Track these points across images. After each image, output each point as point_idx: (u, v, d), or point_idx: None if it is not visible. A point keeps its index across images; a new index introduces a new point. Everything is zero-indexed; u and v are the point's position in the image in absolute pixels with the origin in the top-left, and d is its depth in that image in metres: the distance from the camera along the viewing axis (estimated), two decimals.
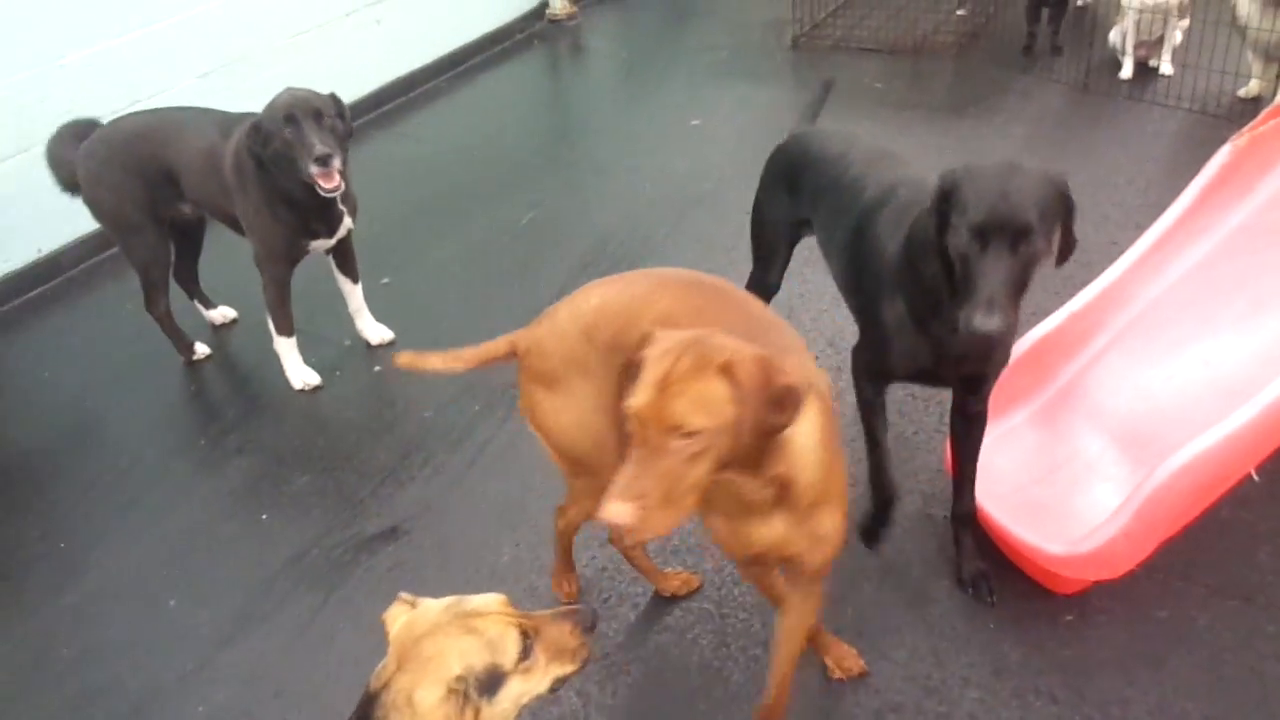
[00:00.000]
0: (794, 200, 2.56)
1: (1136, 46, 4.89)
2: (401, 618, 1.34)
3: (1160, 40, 4.88)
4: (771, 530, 1.65)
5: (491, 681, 1.29)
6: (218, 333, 3.69)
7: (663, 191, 4.39)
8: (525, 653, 1.34)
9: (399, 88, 5.50)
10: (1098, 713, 2.06)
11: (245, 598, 2.57)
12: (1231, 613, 2.24)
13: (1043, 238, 1.81)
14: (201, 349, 3.56)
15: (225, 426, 3.23)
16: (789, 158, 2.61)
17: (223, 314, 3.73)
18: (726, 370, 1.40)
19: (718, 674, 2.23)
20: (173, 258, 3.41)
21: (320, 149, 2.81)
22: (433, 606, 1.35)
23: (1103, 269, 2.83)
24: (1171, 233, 2.80)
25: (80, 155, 3.23)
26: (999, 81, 5.11)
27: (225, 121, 3.15)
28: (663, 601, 2.41)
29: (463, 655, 1.28)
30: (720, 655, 2.27)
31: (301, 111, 2.85)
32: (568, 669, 1.42)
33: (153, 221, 3.24)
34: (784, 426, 1.45)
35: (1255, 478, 2.39)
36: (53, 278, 4.09)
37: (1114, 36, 4.98)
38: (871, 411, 2.30)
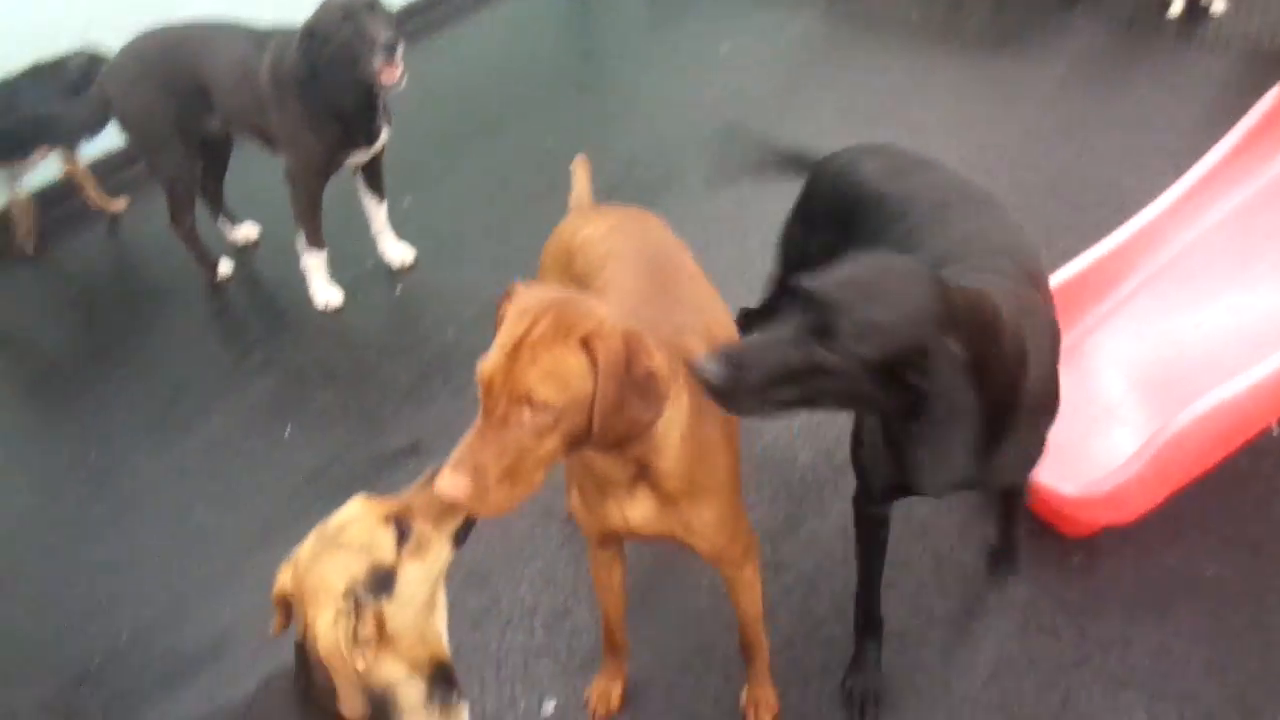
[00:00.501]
0: (845, 241, 1.90)
1: None
2: (287, 575, 1.34)
3: None
4: (634, 511, 1.58)
5: (381, 580, 1.30)
6: (241, 252, 3.71)
7: (690, 118, 4.32)
8: (404, 537, 1.33)
9: (421, 5, 5.40)
10: (1098, 651, 2.10)
11: (270, 508, 2.64)
12: (1240, 564, 2.25)
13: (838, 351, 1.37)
14: (225, 267, 3.58)
15: (249, 344, 3.28)
16: (838, 190, 2.01)
17: (246, 234, 3.75)
18: (587, 342, 1.28)
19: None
20: (200, 174, 3.41)
21: (387, 35, 2.79)
22: (305, 546, 1.34)
23: (1137, 212, 2.78)
24: (1210, 177, 2.75)
25: (110, 70, 3.22)
26: (1041, 15, 4.95)
27: (257, 36, 3.12)
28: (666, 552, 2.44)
29: (342, 572, 1.28)
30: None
31: (358, 6, 2.83)
32: (457, 520, 1.39)
33: (182, 137, 3.23)
34: (650, 420, 1.35)
35: (1275, 432, 2.38)
36: (75, 196, 4.10)
37: None
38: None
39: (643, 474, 1.51)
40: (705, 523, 1.60)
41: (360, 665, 1.27)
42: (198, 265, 3.55)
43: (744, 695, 2.03)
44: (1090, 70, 4.47)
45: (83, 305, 3.57)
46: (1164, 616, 2.16)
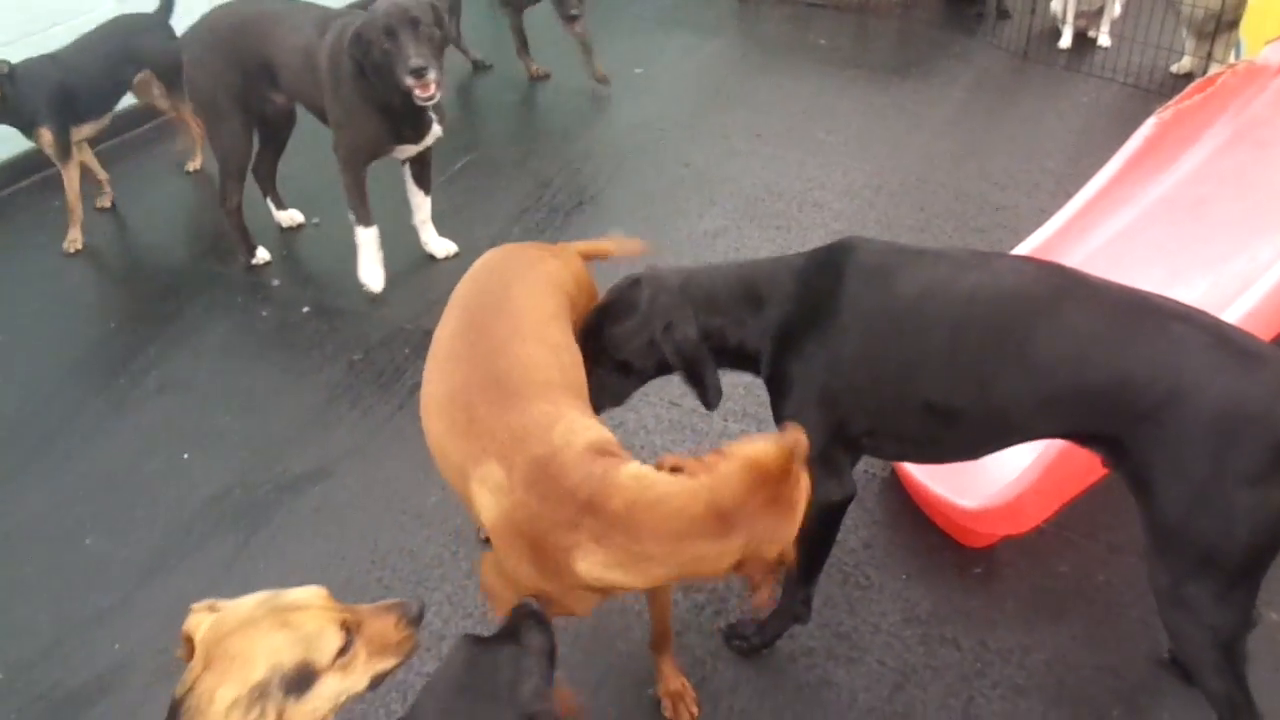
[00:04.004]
0: None
1: (1077, 16, 4.96)
2: (205, 623, 1.25)
3: (1100, 11, 4.95)
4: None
5: (301, 680, 1.23)
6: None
7: (603, 140, 4.35)
8: (345, 648, 1.27)
9: None
10: (998, 659, 2.16)
11: (165, 536, 2.54)
12: (1129, 569, 2.34)
13: None
14: (262, 254, 3.56)
15: (145, 364, 3.15)
16: None
17: (291, 217, 3.77)
18: None
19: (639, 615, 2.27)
20: (255, 151, 3.45)
21: (415, 61, 2.85)
22: (244, 603, 1.26)
23: (1030, 233, 2.89)
24: (1095, 201, 2.87)
25: (184, 41, 3.32)
26: (941, 44, 5.15)
27: (322, 18, 3.18)
28: None
29: (272, 653, 1.21)
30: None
31: (399, 21, 2.87)
32: (389, 663, 1.35)
33: (242, 112, 3.26)
34: None
35: None
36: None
37: (1055, 5, 5.03)
38: None
39: None
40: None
41: None
42: (238, 244, 3.52)
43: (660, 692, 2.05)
44: (987, 97, 4.65)
45: None
46: (1059, 623, 2.23)
